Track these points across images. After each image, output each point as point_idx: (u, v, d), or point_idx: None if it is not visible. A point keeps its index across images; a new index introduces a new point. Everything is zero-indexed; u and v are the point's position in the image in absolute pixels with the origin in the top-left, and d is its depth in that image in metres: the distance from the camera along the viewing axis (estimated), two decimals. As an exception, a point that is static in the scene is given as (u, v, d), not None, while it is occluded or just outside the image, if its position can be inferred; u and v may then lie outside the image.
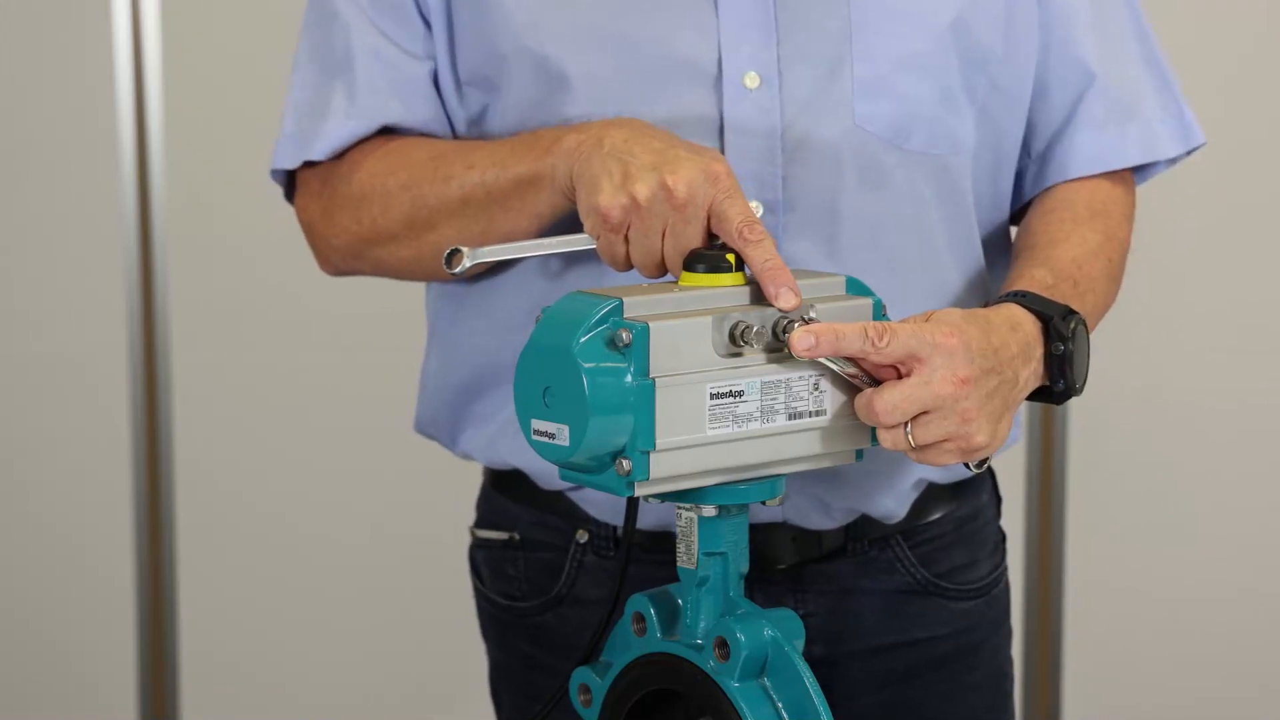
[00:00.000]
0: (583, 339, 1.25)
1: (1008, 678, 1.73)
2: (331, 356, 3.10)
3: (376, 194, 1.56)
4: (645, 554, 1.56)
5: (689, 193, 1.34)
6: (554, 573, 1.65)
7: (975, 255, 1.61)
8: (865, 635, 1.64)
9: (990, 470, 1.73)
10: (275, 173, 1.64)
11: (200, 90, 3.03)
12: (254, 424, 3.13)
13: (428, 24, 1.58)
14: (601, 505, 1.61)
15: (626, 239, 1.38)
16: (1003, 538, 1.75)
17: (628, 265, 1.39)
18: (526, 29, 1.52)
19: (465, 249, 1.37)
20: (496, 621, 1.71)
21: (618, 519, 1.61)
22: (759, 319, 1.29)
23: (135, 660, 3.20)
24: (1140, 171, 1.67)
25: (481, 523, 1.71)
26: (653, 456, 1.26)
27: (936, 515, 1.65)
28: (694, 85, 1.51)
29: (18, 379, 3.15)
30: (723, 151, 1.51)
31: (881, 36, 1.53)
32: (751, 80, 1.51)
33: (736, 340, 1.28)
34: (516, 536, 1.67)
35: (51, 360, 3.14)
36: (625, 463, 1.26)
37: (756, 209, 1.51)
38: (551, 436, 1.26)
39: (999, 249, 1.64)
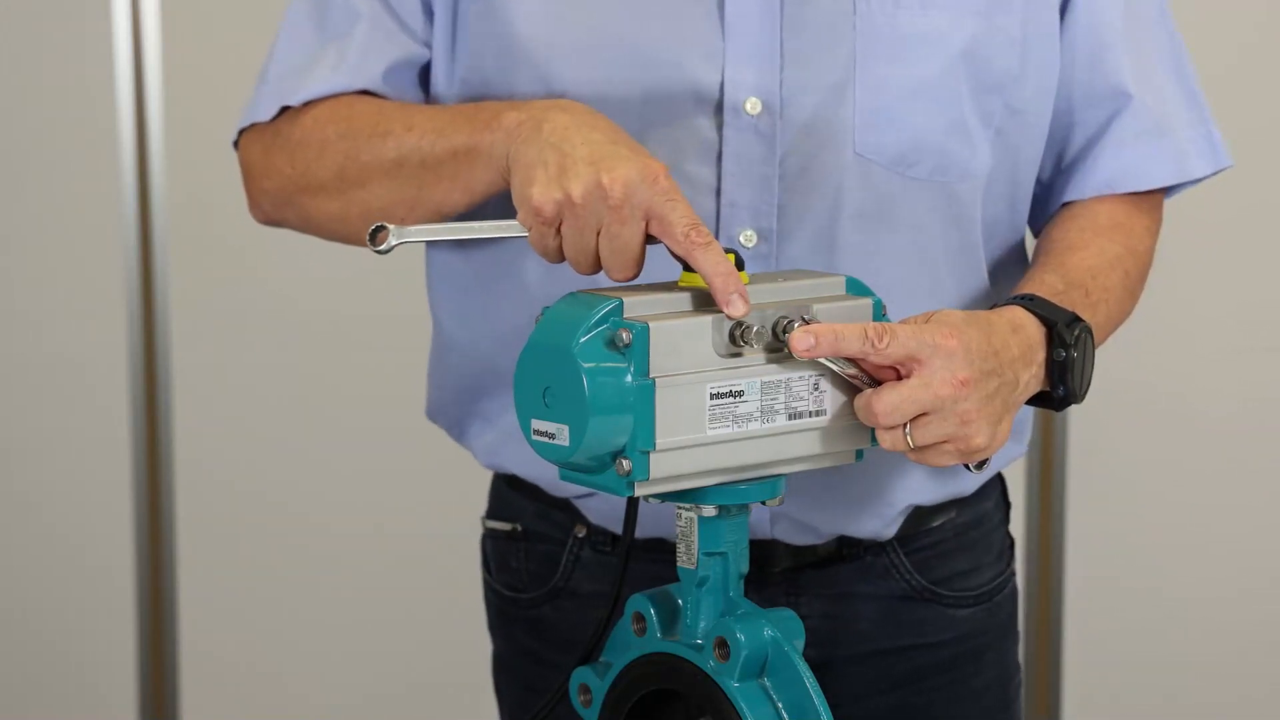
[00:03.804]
0: (583, 339, 1.25)
1: (1014, 682, 1.72)
2: (332, 356, 3.09)
3: (314, 140, 1.53)
4: (644, 553, 1.56)
5: (625, 193, 1.30)
6: (553, 565, 1.65)
7: (980, 284, 1.58)
8: (861, 640, 1.63)
9: (1000, 476, 1.73)
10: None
11: (200, 90, 3.03)
12: (254, 424, 3.13)
13: (429, 13, 1.56)
14: (597, 510, 1.61)
15: (560, 232, 1.34)
16: (1010, 544, 1.73)
17: (560, 258, 1.35)
18: (535, 43, 1.50)
19: (391, 226, 1.32)
20: (501, 614, 1.71)
21: (614, 524, 1.61)
22: (759, 319, 1.29)
23: (135, 660, 3.19)
24: (1168, 190, 1.64)
25: (490, 513, 1.72)
26: (653, 456, 1.26)
27: (937, 523, 1.64)
28: (696, 109, 1.49)
29: (18, 379, 3.14)
30: (720, 178, 1.50)
31: (888, 65, 1.50)
32: (753, 106, 1.49)
33: (736, 340, 1.28)
34: (520, 528, 1.67)
35: (51, 360, 3.13)
36: (625, 463, 1.26)
37: (750, 238, 1.50)
38: (551, 436, 1.26)
39: (1013, 270, 1.61)
